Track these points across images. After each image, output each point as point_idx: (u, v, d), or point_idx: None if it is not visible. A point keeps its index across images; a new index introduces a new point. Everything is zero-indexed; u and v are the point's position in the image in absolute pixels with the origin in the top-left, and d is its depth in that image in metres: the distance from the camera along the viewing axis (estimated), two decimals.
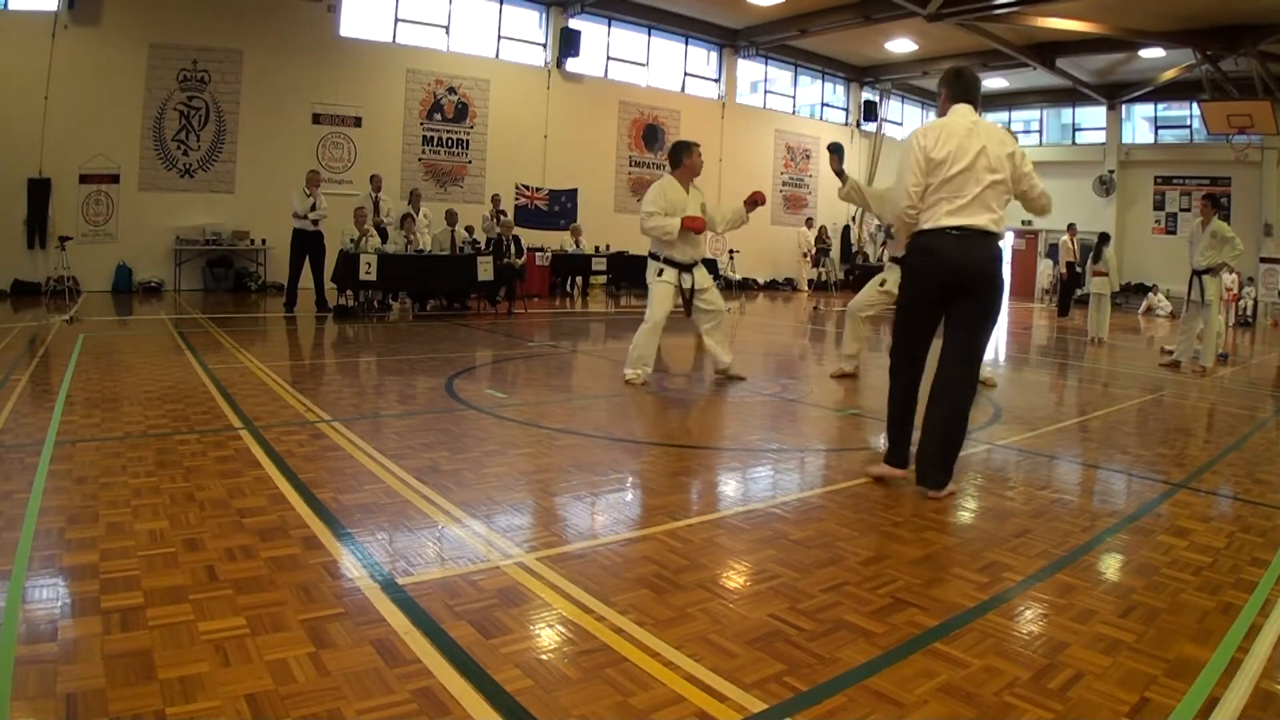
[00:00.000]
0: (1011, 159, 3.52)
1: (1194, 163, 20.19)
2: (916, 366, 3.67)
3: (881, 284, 6.56)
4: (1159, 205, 20.76)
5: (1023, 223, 20.39)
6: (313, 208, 10.27)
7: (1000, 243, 3.54)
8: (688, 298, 6.14)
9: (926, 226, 3.49)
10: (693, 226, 5.91)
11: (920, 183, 3.49)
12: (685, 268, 6.09)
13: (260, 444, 3.98)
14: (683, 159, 6.06)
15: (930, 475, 3.55)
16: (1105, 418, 5.84)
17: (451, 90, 15.54)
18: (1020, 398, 6.62)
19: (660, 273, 6.08)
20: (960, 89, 3.68)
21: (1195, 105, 18.17)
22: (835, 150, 6.23)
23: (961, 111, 3.61)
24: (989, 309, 3.54)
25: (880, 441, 4.20)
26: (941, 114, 3.70)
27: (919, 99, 24.00)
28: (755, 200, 6.31)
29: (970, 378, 3.60)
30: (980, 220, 3.43)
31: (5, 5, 11.64)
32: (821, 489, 3.74)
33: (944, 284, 3.48)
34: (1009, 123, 23.91)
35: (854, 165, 22.48)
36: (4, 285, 11.63)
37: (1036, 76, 19.01)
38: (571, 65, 16.89)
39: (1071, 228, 16.44)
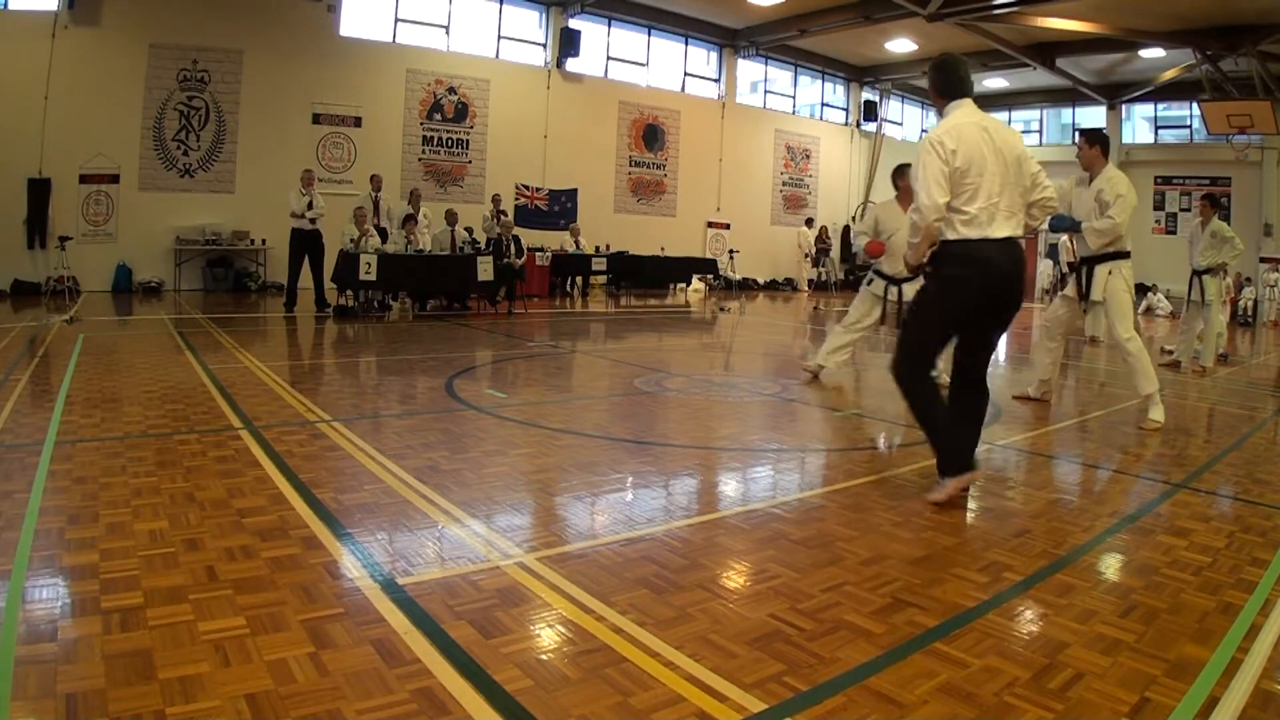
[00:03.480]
0: (1022, 159, 3.41)
1: (1194, 163, 20.19)
2: (930, 373, 3.54)
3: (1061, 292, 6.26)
4: (1159, 205, 20.75)
5: None
6: (310, 206, 10.28)
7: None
8: (895, 308, 6.41)
9: (972, 236, 3.31)
10: (870, 251, 6.33)
11: (945, 191, 3.29)
12: (892, 280, 6.40)
13: (260, 444, 3.98)
14: (897, 181, 6.39)
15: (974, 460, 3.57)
16: (1105, 418, 5.84)
17: (451, 90, 15.54)
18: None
19: (869, 281, 6.60)
20: (948, 82, 3.50)
21: (1195, 105, 18.17)
22: None
23: (966, 109, 3.44)
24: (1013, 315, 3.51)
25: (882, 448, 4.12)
26: (939, 112, 3.54)
27: (919, 99, 23.99)
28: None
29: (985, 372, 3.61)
30: (1011, 227, 3.35)
31: (5, 5, 11.65)
32: (821, 489, 3.74)
33: (993, 296, 3.35)
34: (1009, 123, 23.91)
35: (855, 165, 22.50)
36: (4, 285, 11.64)
37: (1036, 76, 19.01)
38: (571, 65, 16.89)
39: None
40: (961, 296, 3.37)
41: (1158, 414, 5.40)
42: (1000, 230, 3.31)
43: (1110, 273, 5.55)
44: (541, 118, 16.69)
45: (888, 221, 6.30)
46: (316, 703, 1.80)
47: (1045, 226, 5.56)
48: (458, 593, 2.41)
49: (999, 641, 2.24)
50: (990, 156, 3.32)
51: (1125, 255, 5.58)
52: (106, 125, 12.25)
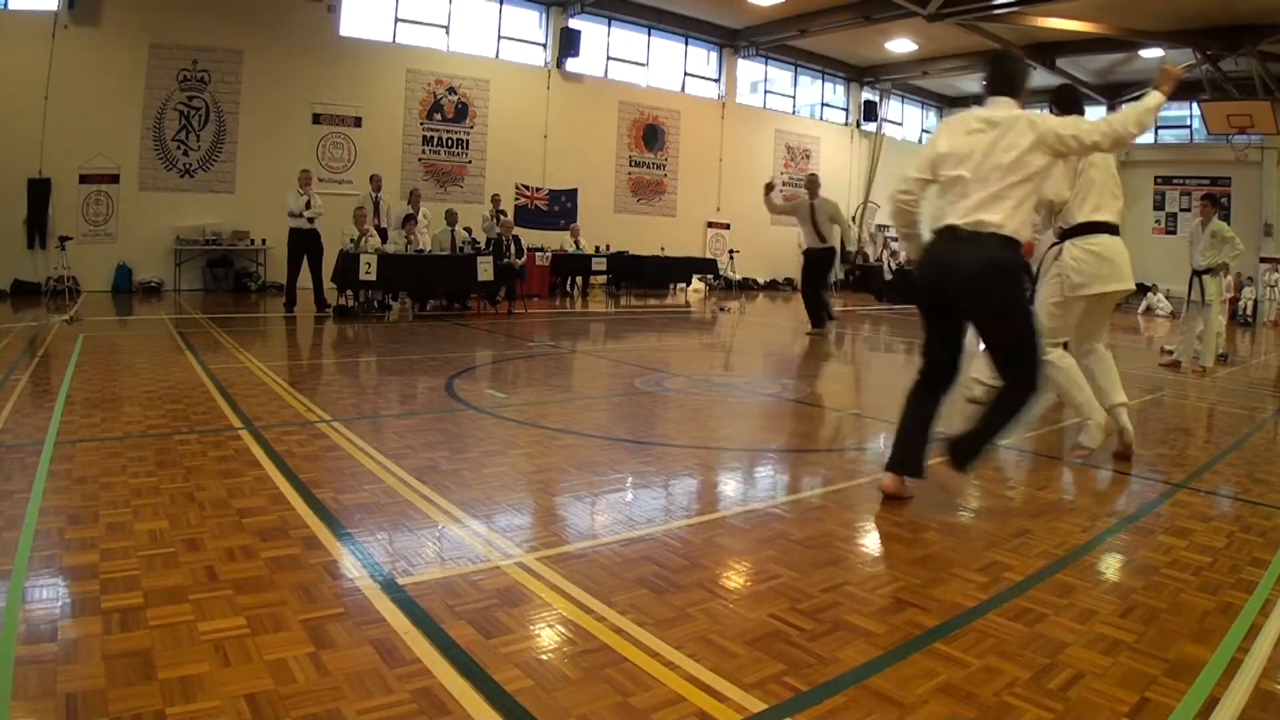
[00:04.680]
0: (1035, 147, 3.15)
1: (1194, 163, 20.19)
2: (932, 375, 3.39)
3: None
4: (1159, 205, 20.76)
5: None
6: (307, 205, 10.27)
7: (1004, 243, 3.12)
8: None
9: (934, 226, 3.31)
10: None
11: (923, 170, 3.33)
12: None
13: (260, 444, 3.98)
14: None
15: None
16: None
17: (451, 90, 15.54)
18: None
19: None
20: (991, 81, 3.40)
21: (1195, 105, 18.17)
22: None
23: (991, 104, 3.31)
24: (992, 313, 3.21)
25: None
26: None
27: (919, 99, 23.99)
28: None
29: (1017, 375, 3.25)
30: (975, 218, 3.15)
31: (5, 5, 11.65)
32: (821, 489, 3.74)
33: (932, 287, 3.31)
34: None
35: (855, 165, 22.49)
36: (4, 285, 11.63)
37: (1037, 76, 18.88)
38: (571, 65, 16.88)
39: None
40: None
41: (1088, 438, 4.33)
42: (951, 219, 3.22)
43: (1055, 259, 4.45)
44: (541, 118, 16.69)
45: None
46: (316, 703, 1.80)
47: None
48: (458, 593, 2.41)
49: (999, 641, 2.24)
50: (978, 151, 3.20)
51: (1081, 231, 4.33)
52: (106, 125, 12.25)
